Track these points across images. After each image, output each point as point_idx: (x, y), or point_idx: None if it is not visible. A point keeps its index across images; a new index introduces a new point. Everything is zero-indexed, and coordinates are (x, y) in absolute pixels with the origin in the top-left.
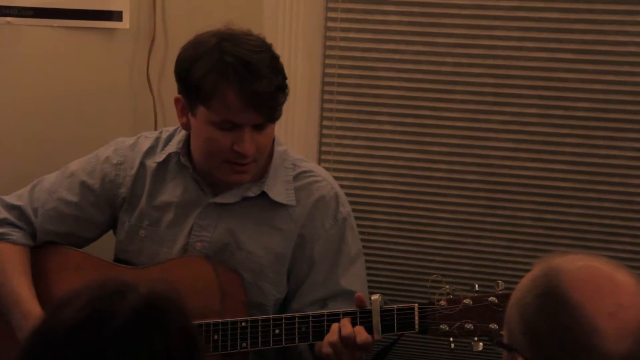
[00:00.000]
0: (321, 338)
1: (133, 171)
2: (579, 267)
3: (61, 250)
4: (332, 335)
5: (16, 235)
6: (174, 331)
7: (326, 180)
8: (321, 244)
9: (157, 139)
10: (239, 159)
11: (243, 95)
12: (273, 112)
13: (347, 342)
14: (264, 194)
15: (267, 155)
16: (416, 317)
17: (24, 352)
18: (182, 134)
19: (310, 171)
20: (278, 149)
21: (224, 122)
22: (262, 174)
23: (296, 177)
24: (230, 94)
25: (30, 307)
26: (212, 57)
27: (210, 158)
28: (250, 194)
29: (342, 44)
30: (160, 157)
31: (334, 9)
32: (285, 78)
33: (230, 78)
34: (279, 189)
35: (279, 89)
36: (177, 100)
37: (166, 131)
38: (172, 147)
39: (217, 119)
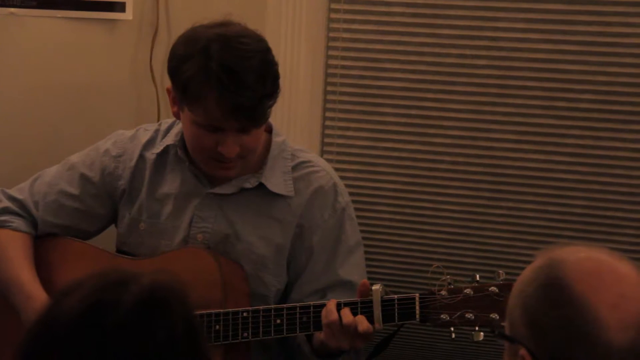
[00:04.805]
0: (322, 328)
1: (132, 163)
2: (582, 258)
3: (64, 241)
4: (330, 317)
5: (17, 222)
6: (176, 322)
7: (325, 170)
8: (320, 234)
9: (157, 131)
10: (223, 158)
11: (223, 105)
12: (256, 120)
13: (347, 330)
14: (262, 185)
15: (265, 146)
16: (417, 307)
17: (26, 340)
18: (180, 125)
19: (309, 161)
20: (276, 139)
21: (207, 125)
22: (259, 165)
23: (295, 168)
24: (211, 103)
25: (32, 290)
26: (199, 60)
27: (196, 152)
28: (248, 185)
29: (345, 35)
30: (157, 148)
31: (337, 1)
32: (275, 80)
33: (212, 86)
34: (277, 180)
35: (264, 98)
36: (168, 90)
37: (165, 123)
38: (170, 139)
39: (200, 121)
